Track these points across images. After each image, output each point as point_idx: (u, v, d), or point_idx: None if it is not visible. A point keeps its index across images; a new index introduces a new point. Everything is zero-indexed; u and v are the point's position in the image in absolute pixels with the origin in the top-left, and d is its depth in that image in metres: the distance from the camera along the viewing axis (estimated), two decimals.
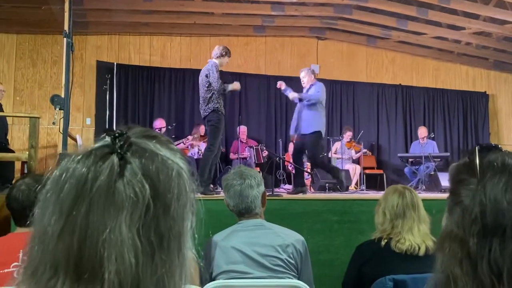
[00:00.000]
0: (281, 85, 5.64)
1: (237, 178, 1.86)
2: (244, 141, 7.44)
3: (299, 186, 5.36)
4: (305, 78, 5.58)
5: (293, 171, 7.46)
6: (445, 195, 0.80)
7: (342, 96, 8.84)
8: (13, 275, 1.53)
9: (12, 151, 5.52)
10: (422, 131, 7.92)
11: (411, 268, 1.89)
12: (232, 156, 7.47)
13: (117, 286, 0.49)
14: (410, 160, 7.64)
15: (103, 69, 7.27)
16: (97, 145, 0.56)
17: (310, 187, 6.91)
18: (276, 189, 6.42)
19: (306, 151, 5.50)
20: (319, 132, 5.33)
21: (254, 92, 8.36)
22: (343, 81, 8.83)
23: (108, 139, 0.56)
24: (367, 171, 7.96)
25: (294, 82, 8.53)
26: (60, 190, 0.52)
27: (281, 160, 7.42)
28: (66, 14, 4.59)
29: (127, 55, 7.83)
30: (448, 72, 9.42)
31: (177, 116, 7.75)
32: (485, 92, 9.58)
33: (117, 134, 0.56)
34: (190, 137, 7.00)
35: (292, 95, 5.49)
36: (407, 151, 8.35)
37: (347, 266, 2.18)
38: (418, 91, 9.20)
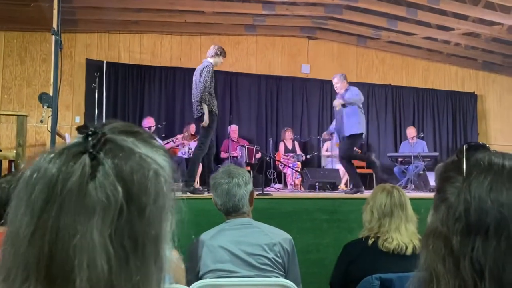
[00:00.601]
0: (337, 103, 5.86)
1: (225, 177, 1.86)
2: (235, 140, 7.43)
3: (355, 187, 5.58)
4: (338, 84, 5.78)
5: (284, 170, 7.50)
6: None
7: (332, 96, 8.84)
8: None
9: None
10: (411, 131, 7.99)
11: (398, 267, 1.90)
12: (223, 155, 7.46)
13: None
14: (399, 159, 7.69)
15: (93, 67, 7.22)
16: (72, 142, 0.53)
17: (300, 186, 6.93)
18: (267, 188, 6.43)
19: (339, 151, 5.82)
20: (357, 135, 5.61)
21: (245, 91, 8.36)
22: None
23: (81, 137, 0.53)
24: (357, 170, 7.99)
25: (285, 81, 8.59)
26: (31, 190, 0.50)
27: (271, 160, 7.43)
28: (55, 12, 4.54)
29: (117, 53, 7.78)
30: (438, 73, 9.50)
31: (167, 115, 7.72)
32: (474, 92, 9.68)
33: (90, 132, 0.53)
34: (179, 136, 6.98)
35: (336, 102, 5.70)
36: (396, 151, 8.40)
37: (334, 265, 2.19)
38: (408, 91, 9.26)
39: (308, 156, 7.96)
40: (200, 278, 1.80)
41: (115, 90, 7.51)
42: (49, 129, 4.18)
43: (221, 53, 5.02)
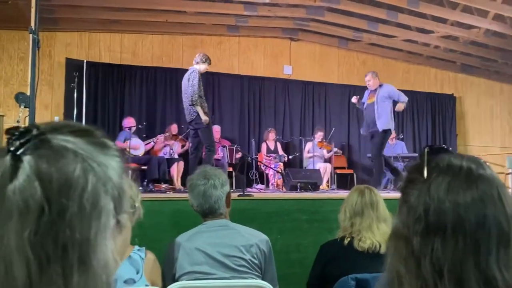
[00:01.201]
0: (356, 100, 6.26)
1: (201, 178, 1.85)
2: (217, 141, 7.41)
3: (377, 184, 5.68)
4: (370, 81, 6.05)
5: (266, 171, 7.51)
6: None
7: (314, 97, 8.93)
8: None
9: None
10: None
11: (373, 267, 1.92)
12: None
13: None
14: None
15: (72, 67, 7.11)
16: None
17: (282, 187, 6.95)
18: (249, 189, 6.43)
19: (372, 147, 5.97)
20: (388, 130, 5.83)
21: (228, 91, 8.35)
22: (315, 82, 8.92)
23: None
24: (338, 171, 8.07)
25: (267, 82, 8.61)
26: None
27: (253, 160, 7.43)
28: (33, 10, 4.46)
29: (98, 52, 7.69)
30: (418, 75, 9.64)
31: (148, 115, 7.65)
32: (453, 94, 9.85)
33: (18, 132, 0.50)
34: (160, 137, 6.93)
35: (399, 106, 5.96)
36: None
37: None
38: None
39: (290, 157, 7.99)
40: (177, 280, 1.79)
41: (95, 90, 7.41)
42: None
43: (206, 60, 5.41)
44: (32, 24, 4.30)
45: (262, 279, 1.85)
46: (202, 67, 5.39)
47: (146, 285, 1.68)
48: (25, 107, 4.13)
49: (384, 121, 5.77)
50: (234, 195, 4.59)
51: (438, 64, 9.64)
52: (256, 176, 7.53)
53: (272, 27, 8.39)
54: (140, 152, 6.64)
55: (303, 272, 3.62)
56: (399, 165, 7.32)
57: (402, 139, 8.32)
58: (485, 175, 0.72)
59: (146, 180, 6.33)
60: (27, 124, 3.90)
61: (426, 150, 0.77)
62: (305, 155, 7.98)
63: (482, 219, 0.68)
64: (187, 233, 1.89)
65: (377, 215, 2.02)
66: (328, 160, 7.97)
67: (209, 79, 8.14)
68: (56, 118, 7.29)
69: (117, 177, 0.54)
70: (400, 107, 5.98)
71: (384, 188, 6.32)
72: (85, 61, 7.34)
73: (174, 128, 7.22)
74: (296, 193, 5.95)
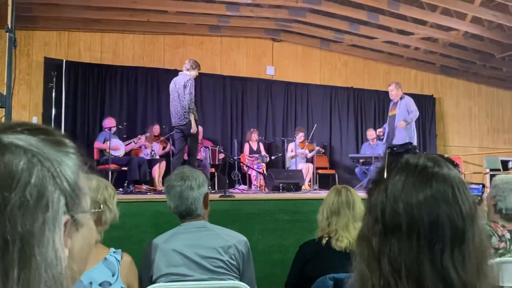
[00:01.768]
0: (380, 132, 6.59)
1: (178, 179, 1.84)
2: (200, 142, 7.37)
3: None
4: (393, 92, 6.22)
5: (248, 172, 7.51)
6: None
7: (296, 98, 8.97)
8: None
9: None
10: (371, 133, 8.19)
11: (352, 265, 1.93)
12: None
13: None
14: (360, 160, 7.86)
15: (51, 66, 6.99)
16: None
17: (264, 187, 6.96)
18: (231, 190, 6.42)
19: None
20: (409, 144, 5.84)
21: (210, 92, 8.31)
22: (297, 83, 8.96)
23: None
24: (320, 171, 8.12)
25: (249, 83, 8.61)
26: None
27: (236, 161, 7.42)
28: (9, 8, 4.37)
29: (77, 52, 7.57)
30: (398, 76, 9.75)
31: (128, 115, 7.57)
32: (432, 95, 10.01)
33: None
34: (142, 137, 6.86)
35: (401, 124, 6.04)
36: (358, 152, 8.58)
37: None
38: (369, 93, 9.48)
39: (272, 157, 8.00)
40: (154, 283, 1.77)
41: (74, 90, 7.30)
42: None
43: (197, 66, 5.62)
44: (9, 22, 4.21)
45: (240, 280, 1.84)
46: (195, 73, 5.59)
47: (122, 287, 1.66)
48: (1, 107, 4.05)
49: (402, 135, 5.92)
50: (216, 196, 4.59)
51: (418, 66, 9.79)
52: (238, 176, 7.52)
53: (254, 27, 8.40)
54: (120, 152, 6.57)
55: (284, 273, 3.62)
56: None
57: (382, 140, 8.41)
58: (440, 173, 0.72)
59: (126, 181, 6.26)
60: None
61: (387, 150, 0.77)
62: (288, 154, 8.00)
63: (435, 218, 0.68)
64: (165, 234, 1.87)
65: (353, 214, 2.03)
66: (310, 161, 8.01)
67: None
68: (35, 118, 7.16)
69: (71, 174, 0.53)
70: (401, 124, 6.04)
71: (365, 188, 6.38)
72: (64, 60, 7.24)
73: (156, 129, 7.16)
74: (278, 194, 5.97)
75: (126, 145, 6.72)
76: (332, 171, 8.30)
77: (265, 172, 7.12)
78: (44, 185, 0.50)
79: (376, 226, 0.71)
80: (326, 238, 2.03)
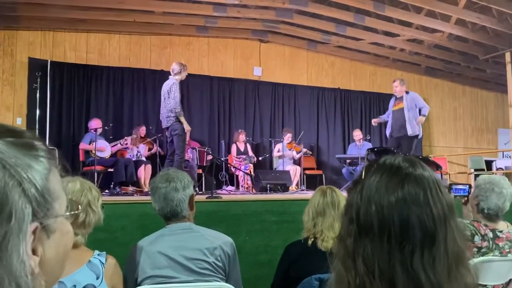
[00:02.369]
0: (376, 122, 6.79)
1: (163, 181, 1.82)
2: (187, 143, 7.34)
3: None
4: (398, 88, 6.45)
5: (236, 173, 7.50)
6: None
7: (284, 99, 8.99)
8: None
9: None
10: (357, 133, 8.26)
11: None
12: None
13: None
14: (347, 161, 7.90)
15: (36, 66, 6.91)
16: None
17: (251, 188, 6.96)
18: (219, 191, 6.40)
19: (401, 151, 6.17)
20: (416, 136, 6.23)
21: (197, 92, 8.29)
22: (285, 84, 8.98)
23: None
24: (307, 172, 8.15)
25: (237, 84, 8.60)
26: None
27: (223, 162, 7.41)
28: None
29: (62, 52, 7.49)
30: (384, 77, 9.85)
31: (115, 117, 7.50)
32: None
33: None
34: (128, 138, 6.81)
35: (421, 119, 6.29)
36: (345, 153, 8.63)
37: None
38: (356, 94, 9.55)
39: (260, 158, 8.01)
40: (139, 285, 1.76)
41: (60, 91, 7.22)
42: None
43: (184, 68, 5.63)
44: None
45: (226, 281, 1.84)
46: (184, 75, 5.62)
47: None
48: None
49: (414, 126, 6.15)
50: (203, 197, 4.57)
51: (403, 67, 9.89)
52: (226, 177, 7.51)
53: (241, 28, 8.40)
54: (106, 154, 6.51)
55: (271, 273, 3.63)
56: None
57: (369, 140, 8.49)
58: (413, 175, 0.72)
59: (112, 183, 6.21)
60: None
61: (367, 151, 0.79)
62: (275, 154, 8.02)
63: (406, 220, 0.69)
64: (150, 236, 1.86)
65: (339, 215, 2.04)
66: (297, 162, 8.03)
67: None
68: (19, 120, 7.06)
69: (40, 179, 0.51)
70: (421, 119, 6.28)
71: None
72: (49, 60, 7.16)
73: (142, 130, 7.12)
74: (265, 195, 5.97)
75: (112, 146, 6.67)
76: (319, 172, 8.34)
77: (252, 173, 7.11)
78: (7, 194, 0.47)
79: (351, 227, 0.72)
80: (312, 239, 2.03)
